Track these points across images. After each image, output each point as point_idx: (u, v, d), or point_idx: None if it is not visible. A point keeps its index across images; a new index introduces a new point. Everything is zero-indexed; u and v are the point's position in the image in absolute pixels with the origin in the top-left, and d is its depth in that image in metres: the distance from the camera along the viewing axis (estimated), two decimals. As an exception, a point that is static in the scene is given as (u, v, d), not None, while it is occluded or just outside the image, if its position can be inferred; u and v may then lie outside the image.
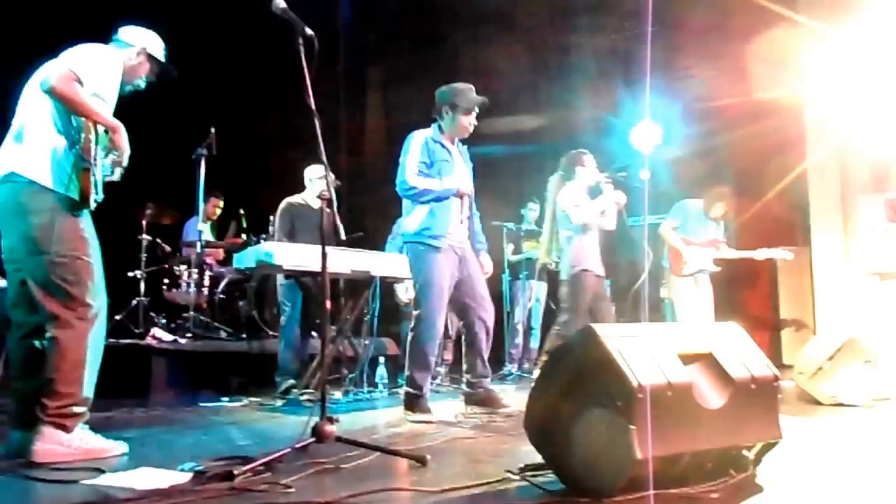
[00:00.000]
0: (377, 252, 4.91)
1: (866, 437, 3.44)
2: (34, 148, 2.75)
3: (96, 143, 2.78)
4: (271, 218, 5.38)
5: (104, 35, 3.06)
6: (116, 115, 2.90)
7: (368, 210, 7.30)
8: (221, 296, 6.25)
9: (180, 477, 2.32)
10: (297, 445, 2.50)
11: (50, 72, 2.71)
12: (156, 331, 5.50)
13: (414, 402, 3.92)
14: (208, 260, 6.35)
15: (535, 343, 7.04)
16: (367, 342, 5.28)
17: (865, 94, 5.98)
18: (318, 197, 2.75)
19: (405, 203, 4.10)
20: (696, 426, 2.13)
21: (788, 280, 6.90)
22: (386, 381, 5.16)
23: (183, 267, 6.11)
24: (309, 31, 2.71)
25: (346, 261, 4.59)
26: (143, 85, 3.14)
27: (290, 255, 4.40)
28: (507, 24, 8.15)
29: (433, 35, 8.44)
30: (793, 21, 6.02)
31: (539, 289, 7.05)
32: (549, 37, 8.14)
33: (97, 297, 2.81)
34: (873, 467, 2.65)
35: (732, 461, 2.29)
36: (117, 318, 5.65)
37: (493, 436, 3.30)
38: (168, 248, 6.41)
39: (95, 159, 2.77)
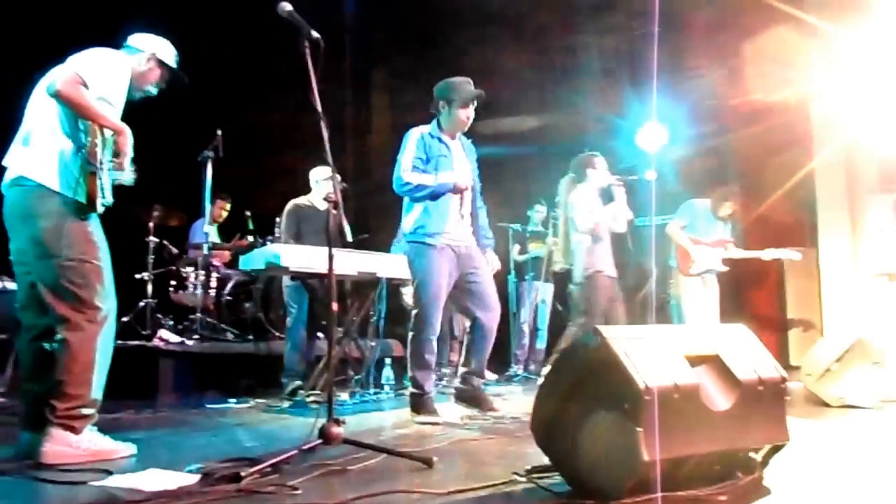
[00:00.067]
0: (383, 254, 4.92)
1: (875, 439, 3.42)
2: (42, 152, 2.76)
3: (103, 147, 2.79)
4: (277, 220, 5.39)
5: (111, 40, 3.05)
6: (124, 118, 2.91)
7: (374, 211, 7.30)
8: (228, 297, 6.28)
9: (188, 478, 2.33)
10: (304, 447, 2.51)
11: (56, 76, 2.73)
12: (163, 332, 5.52)
13: (419, 403, 3.90)
14: (215, 262, 6.36)
15: (541, 344, 7.03)
16: (373, 344, 5.29)
17: (873, 93, 5.95)
18: (325, 199, 2.75)
19: (405, 202, 4.09)
20: (703, 428, 2.12)
21: (796, 280, 6.86)
22: (392, 382, 5.17)
23: (190, 269, 6.14)
24: (315, 34, 2.71)
25: (352, 262, 4.60)
26: (154, 91, 3.14)
27: (298, 257, 4.41)
28: (513, 25, 8.14)
29: (439, 36, 8.42)
30: (800, 21, 5.99)
31: (546, 290, 7.04)
32: (556, 37, 8.12)
33: (106, 300, 2.82)
34: (881, 470, 2.64)
35: (740, 463, 2.29)
36: (124, 319, 5.65)
37: (499, 437, 3.29)
38: (175, 250, 6.42)
39: (102, 163, 2.79)
